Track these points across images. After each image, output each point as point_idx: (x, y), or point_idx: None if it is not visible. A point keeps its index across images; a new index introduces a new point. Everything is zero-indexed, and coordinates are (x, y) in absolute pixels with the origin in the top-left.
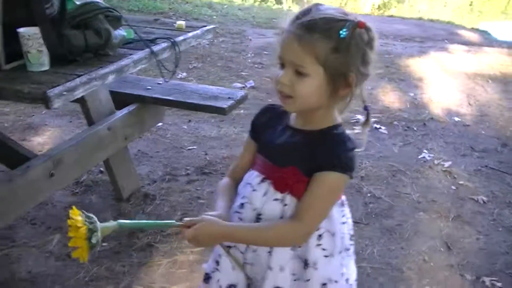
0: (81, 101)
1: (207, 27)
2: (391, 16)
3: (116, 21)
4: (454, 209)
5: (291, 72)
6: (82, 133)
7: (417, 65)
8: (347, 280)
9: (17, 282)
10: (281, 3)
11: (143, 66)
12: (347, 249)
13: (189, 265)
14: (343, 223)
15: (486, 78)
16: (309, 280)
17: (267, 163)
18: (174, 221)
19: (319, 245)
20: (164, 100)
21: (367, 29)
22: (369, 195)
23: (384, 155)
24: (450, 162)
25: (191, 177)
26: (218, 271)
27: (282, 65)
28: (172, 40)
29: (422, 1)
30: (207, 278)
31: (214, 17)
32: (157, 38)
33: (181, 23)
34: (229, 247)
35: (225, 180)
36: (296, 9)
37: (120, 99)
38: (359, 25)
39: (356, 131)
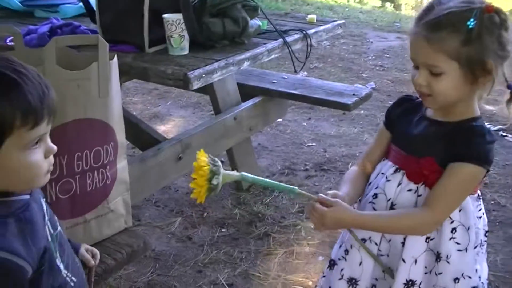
0: (210, 91)
1: (338, 22)
2: None
3: (253, 11)
4: None
5: (425, 73)
6: (210, 120)
7: None
8: (480, 277)
9: (142, 258)
10: (399, 8)
11: (276, 55)
12: (482, 245)
13: (305, 256)
14: (479, 217)
15: None
16: (441, 273)
17: (402, 154)
18: (297, 188)
19: (452, 238)
20: (289, 94)
21: (497, 12)
22: (492, 202)
23: (510, 163)
24: None
25: (310, 173)
26: (344, 260)
27: (417, 66)
28: (304, 32)
29: None
30: (332, 264)
31: (336, 19)
32: (290, 30)
33: (312, 16)
34: (364, 240)
35: (353, 168)
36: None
37: (246, 92)
38: (487, 9)
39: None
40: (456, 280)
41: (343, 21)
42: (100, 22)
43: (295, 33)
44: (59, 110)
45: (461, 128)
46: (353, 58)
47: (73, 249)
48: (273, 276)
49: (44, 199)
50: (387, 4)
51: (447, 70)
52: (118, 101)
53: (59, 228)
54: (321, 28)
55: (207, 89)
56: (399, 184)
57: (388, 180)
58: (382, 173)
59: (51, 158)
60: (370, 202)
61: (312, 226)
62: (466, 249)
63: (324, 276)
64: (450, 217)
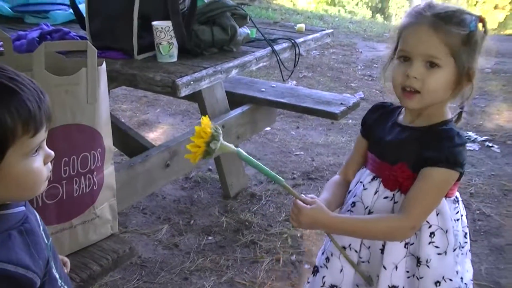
0: (198, 98)
1: (326, 31)
2: (509, 35)
3: (242, 19)
4: None
5: (421, 65)
6: None
7: None
8: (461, 279)
9: (128, 265)
10: (389, 19)
11: (264, 63)
12: (462, 247)
13: (291, 264)
14: (457, 220)
15: None
16: (422, 278)
17: (377, 161)
18: (284, 180)
19: (431, 242)
20: (277, 103)
21: (485, 23)
22: (478, 212)
23: (496, 173)
24: None
25: (297, 181)
26: (326, 268)
27: (404, 61)
28: (292, 41)
29: None
30: (315, 271)
31: (325, 28)
32: (278, 38)
33: (301, 25)
34: (344, 247)
35: (335, 177)
36: None
37: (234, 100)
38: (480, 18)
39: None
40: (437, 283)
41: (331, 30)
42: (90, 29)
43: (284, 42)
44: None
45: (431, 132)
46: (342, 68)
47: None
48: (259, 284)
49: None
50: (378, 15)
51: (445, 65)
52: (106, 107)
53: (50, 237)
54: (310, 37)
55: (195, 97)
56: (376, 192)
57: (365, 189)
58: (361, 182)
59: (49, 164)
60: (348, 211)
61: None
62: (446, 252)
63: (308, 283)
64: (428, 222)
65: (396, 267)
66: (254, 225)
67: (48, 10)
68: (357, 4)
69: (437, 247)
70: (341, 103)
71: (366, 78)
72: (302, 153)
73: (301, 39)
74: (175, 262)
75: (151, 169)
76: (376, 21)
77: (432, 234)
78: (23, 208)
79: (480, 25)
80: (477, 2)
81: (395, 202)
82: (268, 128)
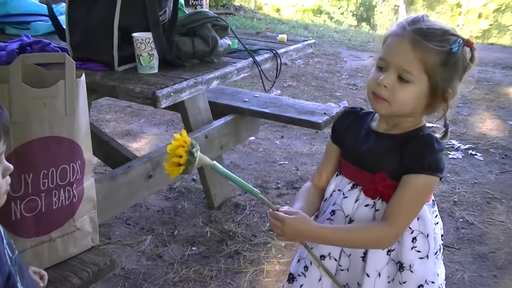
0: (181, 109)
1: (308, 41)
2: (492, 44)
3: (223, 31)
4: None
5: (393, 76)
6: None
7: None
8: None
9: (111, 276)
10: (375, 28)
11: (245, 74)
12: (440, 250)
13: (275, 275)
14: (436, 223)
15: None
16: (405, 282)
17: (356, 170)
18: (259, 192)
19: (414, 247)
20: (260, 113)
21: (473, 49)
22: (461, 220)
23: (479, 181)
24: None
25: (281, 191)
26: (304, 276)
27: (381, 68)
28: (274, 51)
29: None
30: (291, 278)
31: (310, 38)
32: (260, 49)
33: (283, 36)
34: (323, 256)
35: (307, 185)
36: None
37: (217, 110)
38: (468, 43)
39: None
40: (420, 287)
41: (313, 40)
42: (70, 40)
43: (265, 53)
44: (24, 127)
45: (409, 140)
46: (327, 77)
47: None
48: None
49: None
50: (363, 24)
51: (416, 81)
52: (85, 119)
53: (16, 251)
54: (292, 47)
55: (178, 107)
56: (356, 200)
57: (346, 197)
58: (339, 190)
59: (8, 177)
60: (328, 219)
61: (278, 239)
62: (427, 256)
63: None
64: (410, 228)
65: (379, 274)
66: (238, 235)
67: (29, 21)
68: (342, 14)
69: (419, 251)
70: (324, 113)
71: (350, 87)
72: (286, 162)
73: (282, 50)
74: (158, 273)
75: (134, 180)
76: (361, 30)
77: (414, 239)
78: None
79: (466, 49)
80: (460, 12)
81: (376, 210)
82: (252, 138)
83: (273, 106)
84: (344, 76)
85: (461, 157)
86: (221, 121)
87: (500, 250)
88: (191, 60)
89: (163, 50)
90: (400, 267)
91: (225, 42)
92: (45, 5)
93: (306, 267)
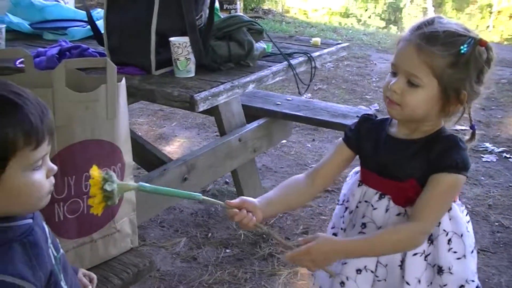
0: (215, 112)
1: (342, 45)
2: None
3: (258, 34)
4: None
5: (403, 81)
6: (215, 142)
7: None
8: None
9: (147, 278)
10: (403, 30)
11: (280, 78)
12: (475, 247)
13: (309, 278)
14: (468, 221)
15: None
16: (446, 285)
17: (382, 179)
18: (200, 194)
19: (450, 249)
20: (293, 116)
21: (488, 48)
22: (496, 224)
23: None
24: None
25: None
26: None
27: (394, 73)
28: (308, 55)
29: None
30: None
31: (340, 41)
32: (294, 53)
33: (317, 39)
34: (359, 270)
35: (298, 177)
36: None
37: (251, 113)
38: (481, 42)
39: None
40: (461, 287)
41: (347, 44)
42: (108, 45)
43: (300, 56)
44: (67, 131)
45: (433, 142)
46: (357, 80)
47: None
48: None
49: (44, 222)
50: (391, 26)
51: (425, 84)
52: (125, 123)
53: (61, 250)
54: (325, 51)
55: (212, 111)
56: (387, 210)
57: (375, 208)
58: (366, 201)
59: (52, 178)
60: (359, 233)
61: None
62: (464, 256)
63: None
64: (444, 230)
65: (419, 281)
66: (271, 237)
67: (66, 26)
68: (369, 17)
69: (455, 252)
70: (357, 116)
71: (380, 90)
72: None
73: (317, 53)
74: (193, 275)
75: (169, 183)
76: (389, 33)
77: (449, 240)
78: (30, 221)
79: (481, 49)
80: (491, 12)
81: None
82: (284, 141)
83: (306, 109)
84: (374, 79)
85: (495, 160)
86: (254, 124)
87: None
88: (227, 64)
89: (199, 54)
90: (439, 270)
91: (260, 46)
92: (81, 11)
93: (342, 283)
